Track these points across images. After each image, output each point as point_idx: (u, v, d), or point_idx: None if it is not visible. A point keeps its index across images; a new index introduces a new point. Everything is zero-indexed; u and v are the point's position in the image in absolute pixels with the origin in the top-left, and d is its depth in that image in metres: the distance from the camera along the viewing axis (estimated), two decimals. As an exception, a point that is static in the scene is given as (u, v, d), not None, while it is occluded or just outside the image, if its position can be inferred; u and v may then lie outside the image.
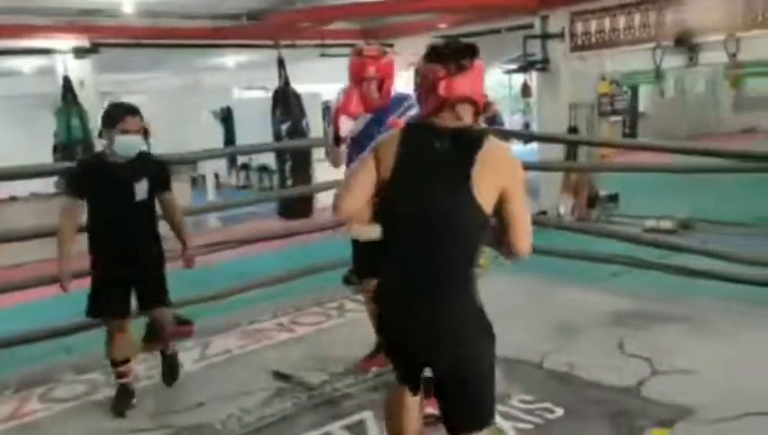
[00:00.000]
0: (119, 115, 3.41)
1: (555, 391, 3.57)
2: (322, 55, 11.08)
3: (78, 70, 9.23)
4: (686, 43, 7.80)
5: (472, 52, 2.09)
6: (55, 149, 9.24)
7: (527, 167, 9.59)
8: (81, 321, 3.94)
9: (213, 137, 13.59)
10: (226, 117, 14.67)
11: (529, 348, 4.08)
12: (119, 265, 3.48)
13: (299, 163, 10.33)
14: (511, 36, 10.16)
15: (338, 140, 3.40)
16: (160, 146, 6.40)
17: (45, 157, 8.77)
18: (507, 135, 6.09)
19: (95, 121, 7.21)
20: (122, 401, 3.64)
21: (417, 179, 2.06)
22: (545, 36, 9.11)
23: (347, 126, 3.39)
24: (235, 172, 14.85)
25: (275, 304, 5.32)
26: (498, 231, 2.09)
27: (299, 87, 10.60)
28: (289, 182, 10.41)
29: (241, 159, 14.39)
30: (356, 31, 11.41)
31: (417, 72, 2.14)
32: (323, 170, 7.34)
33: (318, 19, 10.05)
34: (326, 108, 11.64)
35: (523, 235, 2.08)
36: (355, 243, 3.51)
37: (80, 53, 9.21)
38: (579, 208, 8.77)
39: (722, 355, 3.87)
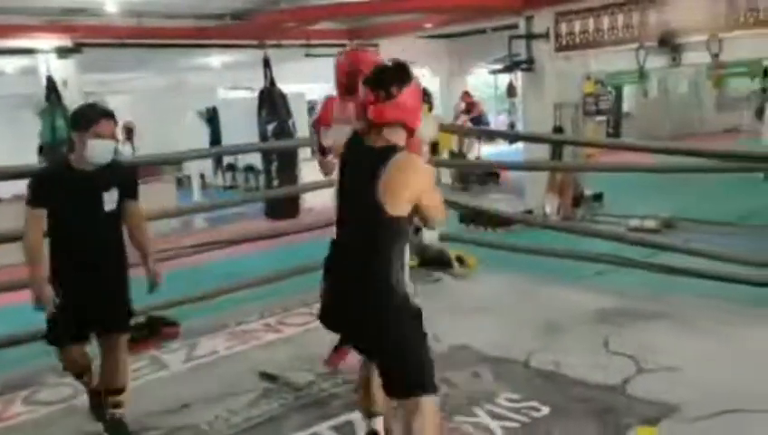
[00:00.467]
0: (93, 117, 3.11)
1: (541, 389, 3.60)
2: (308, 55, 11.07)
3: (61, 70, 9.16)
4: (669, 43, 7.88)
5: (402, 79, 2.38)
6: (41, 149, 9.14)
7: (513, 167, 9.69)
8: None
9: (198, 137, 13.50)
10: (212, 117, 14.60)
11: (515, 347, 4.11)
12: (81, 283, 3.16)
13: (285, 163, 10.31)
14: (496, 36, 10.22)
15: (323, 150, 3.42)
16: (145, 146, 6.34)
17: (30, 158, 8.65)
18: (492, 135, 6.12)
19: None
20: (97, 406, 3.45)
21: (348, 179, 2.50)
22: (530, 36, 9.16)
23: (329, 135, 3.40)
24: (221, 173, 14.77)
25: (263, 304, 5.30)
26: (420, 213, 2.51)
27: (285, 87, 10.57)
28: (275, 182, 10.38)
29: (227, 160, 14.34)
30: (341, 31, 11.40)
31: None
32: (310, 171, 7.33)
33: (303, 19, 10.03)
34: (311, 108, 11.62)
35: (435, 212, 2.50)
36: None
37: (63, 52, 9.15)
38: (564, 208, 8.82)
39: (705, 352, 3.92)
